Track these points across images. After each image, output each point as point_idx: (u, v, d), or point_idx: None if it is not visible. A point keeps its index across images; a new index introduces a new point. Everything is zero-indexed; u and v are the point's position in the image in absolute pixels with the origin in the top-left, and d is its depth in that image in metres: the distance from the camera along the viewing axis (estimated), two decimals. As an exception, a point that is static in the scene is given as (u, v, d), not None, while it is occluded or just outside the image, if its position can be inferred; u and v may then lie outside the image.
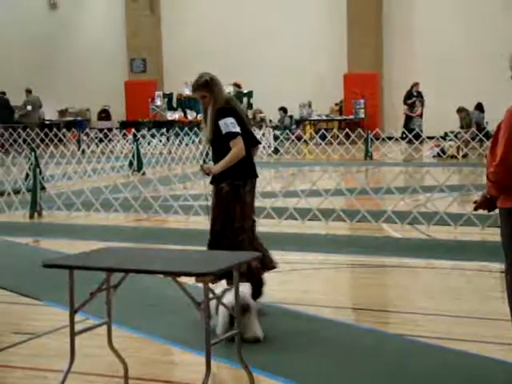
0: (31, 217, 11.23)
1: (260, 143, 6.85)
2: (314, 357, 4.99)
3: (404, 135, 22.46)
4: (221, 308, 5.06)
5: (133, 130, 22.82)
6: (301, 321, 5.84)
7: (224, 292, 4.98)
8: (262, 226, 10.19)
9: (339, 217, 10.07)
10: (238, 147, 6.01)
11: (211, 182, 6.22)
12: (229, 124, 6.01)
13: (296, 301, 6.34)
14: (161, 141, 21.67)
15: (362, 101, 26.56)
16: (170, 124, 26.32)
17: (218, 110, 6.04)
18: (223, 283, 5.34)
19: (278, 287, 6.98)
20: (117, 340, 4.45)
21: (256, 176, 6.26)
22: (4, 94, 27.34)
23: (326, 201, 10.45)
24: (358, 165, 18.61)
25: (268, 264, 6.25)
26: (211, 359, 3.85)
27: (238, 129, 6.01)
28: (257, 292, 5.96)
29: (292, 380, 4.51)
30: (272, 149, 22.19)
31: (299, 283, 7.26)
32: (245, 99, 27.44)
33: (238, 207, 6.08)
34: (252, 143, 6.26)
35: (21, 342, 5.45)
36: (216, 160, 6.16)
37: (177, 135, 21.62)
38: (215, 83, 6.11)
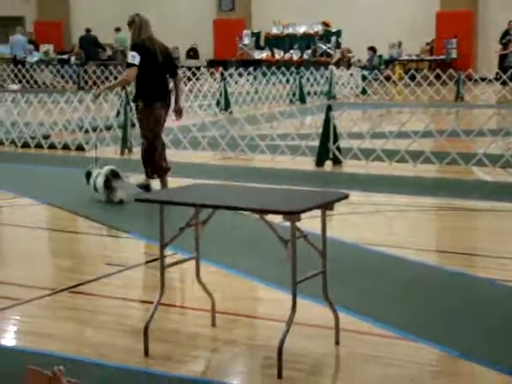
0: (122, 153, 11.49)
1: (176, 74, 8.29)
2: (399, 298, 5.00)
3: (498, 76, 21.75)
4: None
5: (220, 69, 22.87)
6: (384, 262, 5.83)
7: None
8: (349, 166, 10.18)
9: (428, 159, 9.91)
10: (127, 74, 8.05)
11: (132, 101, 8.32)
12: (130, 56, 7.94)
13: (380, 242, 6.32)
14: (248, 80, 21.65)
15: (454, 40, 25.81)
16: (257, 63, 26.27)
17: (132, 44, 8.05)
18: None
19: (362, 227, 6.98)
20: (204, 275, 4.55)
21: (164, 99, 7.99)
22: (89, 30, 27.70)
23: (415, 142, 10.29)
24: (448, 106, 18.18)
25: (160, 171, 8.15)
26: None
27: (135, 61, 7.81)
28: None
29: (378, 320, 4.53)
30: (360, 89, 21.89)
31: (384, 225, 7.23)
32: (333, 38, 27.07)
33: (146, 120, 7.95)
34: (172, 74, 8.17)
35: (112, 273, 5.64)
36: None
37: (264, 74, 21.55)
38: (135, 24, 8.04)
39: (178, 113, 8.25)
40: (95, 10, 31.21)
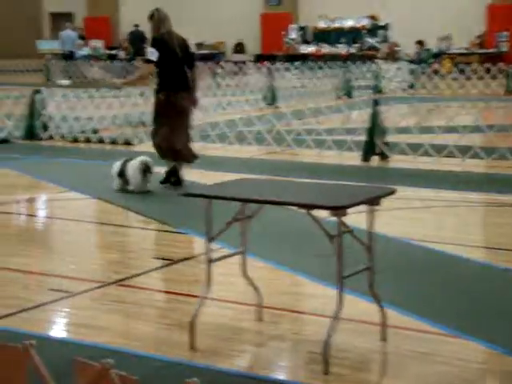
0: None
1: (194, 67, 8.46)
2: (447, 294, 4.95)
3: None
4: (132, 165, 8.01)
5: (267, 64, 22.87)
6: (432, 258, 5.78)
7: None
8: (396, 161, 10.10)
9: (476, 154, 9.79)
10: (144, 70, 8.60)
11: (155, 92, 8.38)
12: (148, 52, 8.25)
13: (427, 238, 6.27)
14: (294, 74, 21.61)
15: (505, 33, 25.40)
16: (303, 57, 26.19)
17: (152, 39, 8.38)
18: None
19: (409, 223, 6.93)
20: (250, 269, 4.57)
21: (186, 89, 8.23)
22: (138, 26, 27.93)
23: (463, 137, 10.17)
24: (497, 100, 17.90)
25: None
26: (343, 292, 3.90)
27: (153, 57, 8.13)
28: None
29: (425, 317, 4.50)
30: (407, 83, 21.69)
31: (431, 220, 7.16)
32: (380, 32, 26.86)
33: (167, 110, 8.17)
34: (190, 65, 8.33)
35: (160, 266, 5.70)
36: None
37: (310, 69, 21.49)
38: (155, 18, 8.29)
39: (194, 102, 8.45)
40: (143, 5, 31.44)
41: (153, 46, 8.23)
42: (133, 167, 8.06)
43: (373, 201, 4.01)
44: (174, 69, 8.20)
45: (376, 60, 22.40)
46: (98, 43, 29.62)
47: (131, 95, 13.82)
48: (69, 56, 27.03)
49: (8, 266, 5.71)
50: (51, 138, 12.53)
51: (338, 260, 3.84)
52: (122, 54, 28.03)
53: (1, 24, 31.46)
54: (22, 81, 25.43)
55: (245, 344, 4.24)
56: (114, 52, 28.94)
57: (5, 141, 12.31)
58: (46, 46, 30.11)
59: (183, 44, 8.42)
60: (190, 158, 8.51)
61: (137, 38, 27.96)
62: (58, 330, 4.62)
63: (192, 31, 30.17)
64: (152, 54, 8.15)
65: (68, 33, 27.75)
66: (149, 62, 8.24)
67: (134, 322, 4.60)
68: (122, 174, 8.15)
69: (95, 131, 12.47)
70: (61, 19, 31.92)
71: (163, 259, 5.87)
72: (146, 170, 8.06)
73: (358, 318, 4.48)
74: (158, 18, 8.28)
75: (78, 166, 10.19)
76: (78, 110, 13.38)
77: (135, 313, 4.73)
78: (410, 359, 3.98)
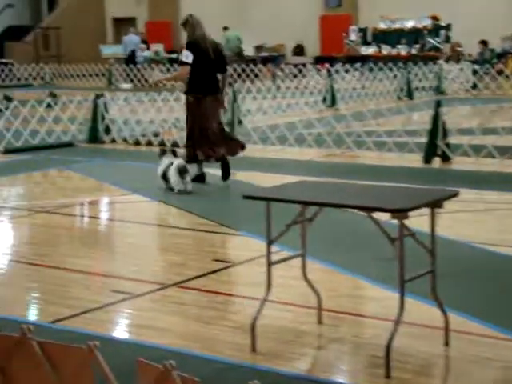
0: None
1: (226, 71, 8.95)
2: (510, 298, 4.85)
3: None
4: (171, 167, 8.44)
5: (327, 65, 22.79)
6: (495, 261, 5.68)
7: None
8: (458, 163, 9.95)
9: (542, 156, 9.57)
10: (180, 72, 8.96)
11: (184, 94, 8.88)
12: (183, 55, 8.65)
13: (491, 241, 6.16)
14: (354, 76, 21.49)
15: None
16: (364, 59, 26.02)
17: (186, 43, 8.70)
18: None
19: (472, 226, 6.82)
20: (310, 272, 4.56)
21: (215, 93, 8.65)
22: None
23: (528, 139, 9.97)
24: None
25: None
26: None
27: (189, 59, 8.50)
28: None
29: (489, 321, 4.42)
30: (470, 84, 21.35)
31: (495, 223, 7.03)
32: (442, 32, 26.50)
33: (194, 113, 8.63)
34: (222, 70, 8.78)
35: (220, 269, 5.72)
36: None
37: (371, 70, 21.35)
38: (189, 23, 8.67)
39: (221, 105, 9.03)
40: (203, 9, 31.69)
41: (187, 48, 8.64)
42: (171, 169, 8.48)
43: (435, 203, 3.96)
44: (206, 71, 8.61)
45: (438, 61, 22.10)
46: (159, 47, 29.95)
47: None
48: (131, 59, 27.40)
49: (71, 267, 5.82)
50: (113, 141, 12.72)
51: (400, 263, 3.80)
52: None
53: (68, 30, 32.09)
54: (86, 85, 25.90)
55: (305, 347, 4.23)
56: (174, 56, 29.23)
57: (69, 144, 12.55)
58: (110, 50, 30.60)
59: (216, 48, 8.85)
60: (209, 157, 8.84)
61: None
62: (120, 331, 4.68)
63: (252, 34, 30.39)
64: (187, 56, 8.57)
65: (131, 37, 28.17)
66: (184, 64, 8.64)
67: (195, 323, 4.63)
68: (164, 176, 8.59)
69: (156, 134, 12.61)
70: (123, 24, 32.41)
71: (223, 261, 5.90)
72: (182, 171, 8.43)
73: (420, 322, 4.43)
74: (191, 23, 8.70)
75: (140, 168, 10.31)
76: (140, 113, 13.55)
77: (196, 315, 4.77)
78: (473, 364, 3.91)
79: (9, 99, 16.45)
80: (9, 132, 12.17)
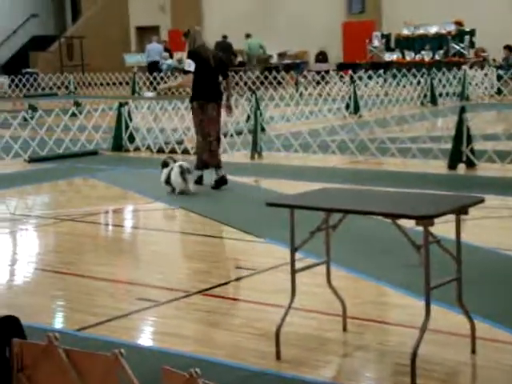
0: (252, 157, 11.64)
1: (227, 76, 9.35)
2: (537, 306, 4.81)
3: None
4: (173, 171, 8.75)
5: (350, 72, 22.75)
6: (523, 268, 5.62)
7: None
8: (483, 169, 9.89)
9: None
10: (184, 80, 9.58)
11: (189, 101, 9.31)
12: (186, 64, 9.09)
13: (518, 248, 6.10)
14: (378, 82, 21.43)
15: None
16: (387, 65, 25.94)
17: (187, 52, 9.15)
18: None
19: (497, 232, 6.76)
20: (334, 279, 4.54)
21: (217, 100, 9.02)
22: (226, 37, 28.27)
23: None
24: None
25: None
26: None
27: (191, 68, 8.95)
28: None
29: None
30: (495, 89, 21.21)
31: (522, 230, 6.97)
32: (466, 37, 26.35)
33: (199, 120, 9.00)
34: (224, 76, 9.23)
35: (244, 276, 5.72)
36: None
37: (394, 76, 21.27)
38: (190, 35, 9.20)
39: (229, 109, 9.37)
40: (227, 17, 31.78)
41: (189, 57, 9.08)
42: (173, 172, 8.78)
43: (461, 210, 3.93)
44: (208, 78, 9.01)
45: (462, 66, 21.98)
46: (182, 55, 30.08)
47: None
48: (154, 66, 27.52)
49: (96, 275, 5.85)
50: (137, 149, 12.78)
51: (426, 270, 3.77)
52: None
53: (92, 40, 32.34)
54: (110, 94, 26.06)
55: (330, 354, 4.22)
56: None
57: (93, 152, 12.64)
58: (133, 59, 30.78)
59: (217, 56, 9.34)
60: (210, 165, 9.12)
61: (224, 50, 28.26)
62: (145, 338, 4.69)
63: (275, 41, 30.44)
64: (189, 65, 9.01)
65: (154, 45, 28.32)
66: (187, 72, 9.09)
67: (219, 331, 4.63)
68: (167, 180, 8.89)
69: (180, 142, 12.66)
70: (147, 33, 32.58)
71: (247, 269, 5.89)
72: (183, 172, 8.71)
73: (446, 329, 4.40)
74: (192, 34, 9.22)
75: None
76: (164, 121, 13.61)
77: (220, 322, 4.77)
78: (499, 372, 3.88)
79: (34, 108, 16.62)
80: (34, 141, 12.28)
